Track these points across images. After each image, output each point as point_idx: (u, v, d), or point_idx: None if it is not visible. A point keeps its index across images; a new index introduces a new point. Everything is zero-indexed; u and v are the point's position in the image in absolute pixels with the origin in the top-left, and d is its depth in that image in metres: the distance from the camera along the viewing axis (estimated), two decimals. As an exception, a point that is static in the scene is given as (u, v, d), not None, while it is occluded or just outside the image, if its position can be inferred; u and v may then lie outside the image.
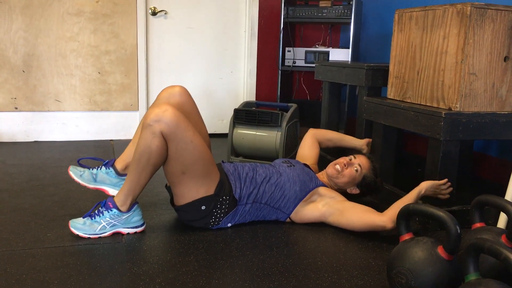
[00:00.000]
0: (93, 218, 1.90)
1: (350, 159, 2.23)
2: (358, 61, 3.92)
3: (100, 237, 1.90)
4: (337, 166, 2.21)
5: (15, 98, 3.63)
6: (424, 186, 2.00)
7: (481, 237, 1.31)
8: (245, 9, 4.15)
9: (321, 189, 2.14)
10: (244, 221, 2.07)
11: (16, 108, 3.64)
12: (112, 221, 1.90)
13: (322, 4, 3.79)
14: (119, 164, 2.11)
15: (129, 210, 1.92)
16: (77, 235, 1.89)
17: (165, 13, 3.94)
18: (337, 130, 3.20)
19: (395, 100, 2.42)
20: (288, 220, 2.12)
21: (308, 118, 4.18)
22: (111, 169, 2.10)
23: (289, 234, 2.00)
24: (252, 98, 4.25)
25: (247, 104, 3.23)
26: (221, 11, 4.09)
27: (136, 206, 1.95)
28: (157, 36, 3.95)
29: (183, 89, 2.10)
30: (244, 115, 3.03)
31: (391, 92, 2.47)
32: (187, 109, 2.10)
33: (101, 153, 3.38)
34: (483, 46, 2.01)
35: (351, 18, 3.69)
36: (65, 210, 2.19)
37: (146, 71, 3.93)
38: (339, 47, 4.14)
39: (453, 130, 2.00)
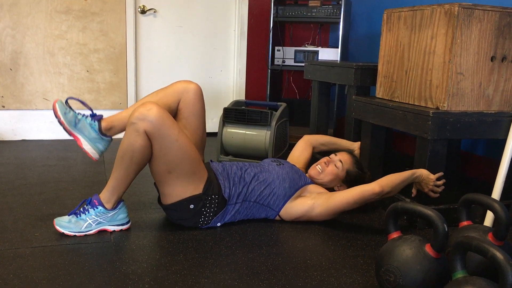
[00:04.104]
0: (78, 216, 1.89)
1: (330, 157, 2.26)
2: (347, 60, 3.93)
3: (86, 235, 1.89)
4: (318, 166, 2.24)
5: (2, 97, 3.59)
6: (421, 170, 2.06)
7: (468, 235, 1.33)
8: (235, 8, 4.15)
9: (310, 187, 2.15)
10: (233, 220, 2.07)
11: (3, 107, 3.61)
12: (98, 218, 1.90)
13: (311, 3, 3.80)
14: (105, 122, 2.03)
15: (114, 207, 1.92)
16: (63, 233, 1.88)
17: (154, 12, 3.92)
18: (326, 129, 3.21)
19: (384, 99, 2.44)
20: (277, 218, 2.12)
21: (298, 117, 4.19)
22: (96, 123, 2.01)
23: (278, 233, 2.01)
24: (242, 97, 4.25)
25: (236, 103, 3.23)
26: (210, 10, 4.08)
27: (121, 203, 1.95)
28: (146, 34, 3.93)
29: (199, 89, 2.07)
30: (233, 114, 3.03)
31: (380, 91, 2.48)
32: (196, 109, 2.08)
33: (90, 152, 3.36)
34: (471, 46, 2.03)
35: (340, 18, 3.70)
36: (53, 209, 2.18)
37: (135, 69, 3.91)
38: (328, 47, 4.15)
39: (441, 129, 2.02)
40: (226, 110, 3.05)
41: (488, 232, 1.55)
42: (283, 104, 3.12)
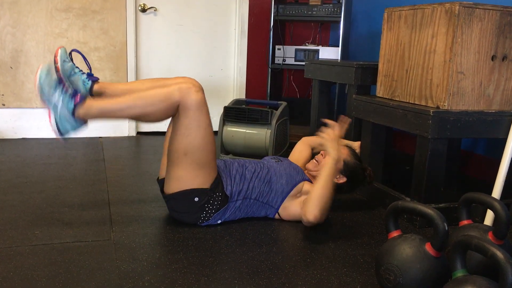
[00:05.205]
0: (62, 87, 1.86)
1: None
2: (348, 59, 3.93)
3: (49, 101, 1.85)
4: (315, 159, 2.24)
5: (3, 95, 3.59)
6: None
7: (468, 234, 1.33)
8: (235, 6, 4.15)
9: (306, 185, 2.13)
10: (234, 218, 2.07)
11: (3, 105, 3.61)
12: (60, 102, 1.85)
13: (312, 2, 3.79)
14: (98, 85, 1.99)
15: (80, 119, 1.88)
16: (37, 81, 1.82)
17: (154, 10, 3.92)
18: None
19: (384, 98, 2.44)
20: (277, 216, 2.12)
21: (298, 116, 4.19)
22: (90, 83, 1.98)
23: (278, 231, 2.01)
24: (242, 96, 4.25)
25: (237, 101, 3.23)
26: (211, 8, 4.08)
27: (83, 122, 1.90)
28: (147, 33, 3.93)
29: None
30: (234, 113, 3.03)
31: (380, 90, 2.48)
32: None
33: (90, 150, 3.36)
34: (471, 45, 2.03)
35: (340, 17, 3.70)
36: (53, 208, 2.18)
37: (136, 68, 3.91)
38: (328, 45, 4.15)
39: (441, 128, 2.02)
40: (226, 109, 3.05)
41: (488, 231, 1.55)
42: (284, 103, 3.12)
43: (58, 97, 1.87)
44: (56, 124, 1.89)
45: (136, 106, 1.88)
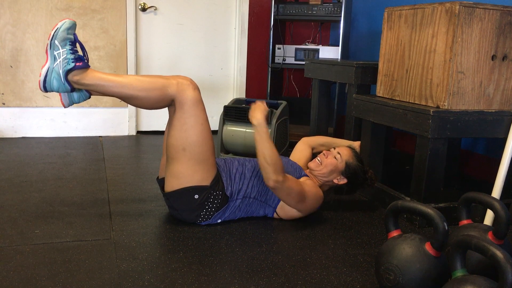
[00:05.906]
0: (72, 47, 1.85)
1: (330, 150, 2.25)
2: (348, 59, 3.93)
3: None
4: (317, 158, 2.23)
5: (3, 94, 3.59)
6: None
7: (468, 234, 1.33)
8: (236, 6, 4.15)
9: (302, 180, 2.13)
10: (234, 217, 2.07)
11: (3, 104, 3.60)
12: (61, 57, 1.84)
13: (312, 1, 3.79)
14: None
15: (69, 84, 1.85)
16: (57, 25, 1.83)
17: (154, 9, 3.92)
18: (326, 127, 3.21)
19: (384, 98, 2.44)
20: (275, 215, 2.12)
21: (298, 116, 4.19)
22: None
23: (278, 231, 2.01)
24: (242, 95, 4.25)
25: (237, 101, 3.23)
26: (211, 7, 4.08)
27: (81, 92, 1.90)
28: (147, 32, 3.93)
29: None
30: (234, 112, 3.03)
31: (380, 90, 2.48)
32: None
33: (90, 149, 3.36)
34: (471, 44, 2.03)
35: (341, 16, 3.70)
36: (53, 207, 2.18)
37: (136, 67, 3.91)
38: (329, 45, 4.14)
39: (441, 128, 2.02)
40: (226, 108, 3.05)
41: (488, 231, 1.55)
42: (284, 102, 3.11)
43: (62, 52, 1.84)
44: (45, 77, 1.85)
45: (131, 86, 1.88)
